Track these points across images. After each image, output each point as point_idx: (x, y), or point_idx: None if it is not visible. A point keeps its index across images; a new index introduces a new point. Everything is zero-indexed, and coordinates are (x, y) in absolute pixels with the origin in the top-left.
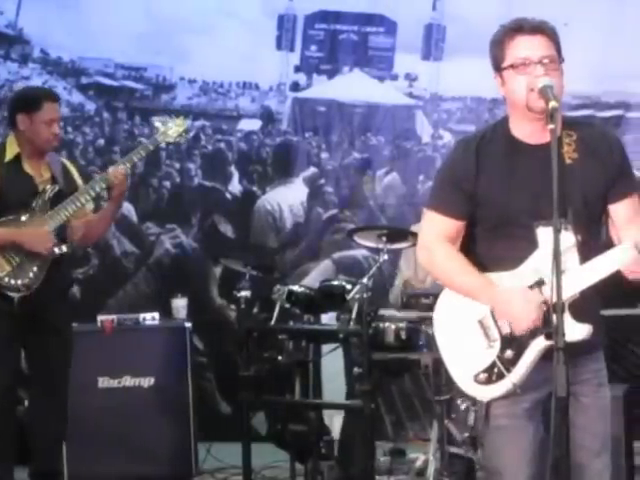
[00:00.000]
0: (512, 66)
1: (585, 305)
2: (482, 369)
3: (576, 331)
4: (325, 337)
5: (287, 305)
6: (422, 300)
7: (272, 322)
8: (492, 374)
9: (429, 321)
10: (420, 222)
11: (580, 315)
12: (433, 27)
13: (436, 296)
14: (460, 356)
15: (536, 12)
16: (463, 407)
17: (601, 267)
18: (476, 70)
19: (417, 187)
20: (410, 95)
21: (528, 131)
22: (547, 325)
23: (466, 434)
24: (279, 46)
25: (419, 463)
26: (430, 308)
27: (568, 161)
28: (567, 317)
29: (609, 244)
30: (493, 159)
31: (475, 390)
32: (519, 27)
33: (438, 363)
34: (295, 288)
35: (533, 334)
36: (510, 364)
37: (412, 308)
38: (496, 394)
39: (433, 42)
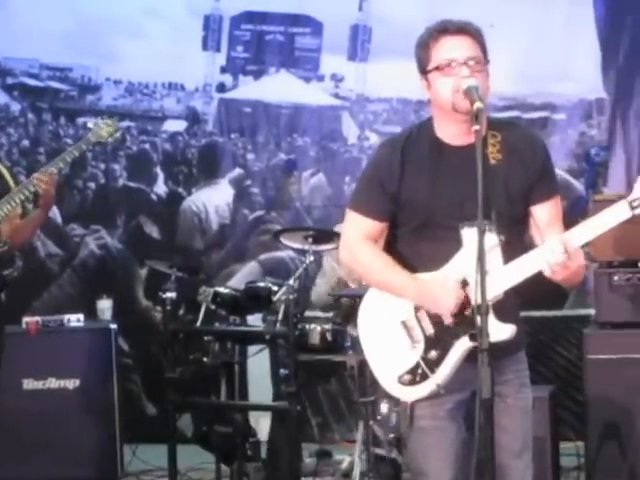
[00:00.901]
0: (437, 68)
1: (508, 305)
2: (406, 370)
3: (500, 331)
4: (251, 339)
5: (213, 306)
6: (348, 301)
7: (198, 324)
8: (416, 375)
9: (355, 323)
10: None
11: (504, 315)
12: (359, 28)
13: (362, 297)
14: (384, 357)
15: (462, 13)
16: (386, 408)
17: (525, 267)
18: (402, 71)
19: (343, 188)
20: (336, 96)
21: (452, 132)
22: (471, 326)
23: (391, 435)
24: (205, 47)
25: (345, 465)
26: (356, 309)
27: (492, 162)
28: (491, 318)
29: (531, 245)
30: (418, 160)
31: (399, 391)
32: (444, 28)
33: (363, 364)
34: (221, 289)
35: (457, 335)
36: (434, 365)
37: (338, 309)
38: (420, 395)
39: (359, 43)
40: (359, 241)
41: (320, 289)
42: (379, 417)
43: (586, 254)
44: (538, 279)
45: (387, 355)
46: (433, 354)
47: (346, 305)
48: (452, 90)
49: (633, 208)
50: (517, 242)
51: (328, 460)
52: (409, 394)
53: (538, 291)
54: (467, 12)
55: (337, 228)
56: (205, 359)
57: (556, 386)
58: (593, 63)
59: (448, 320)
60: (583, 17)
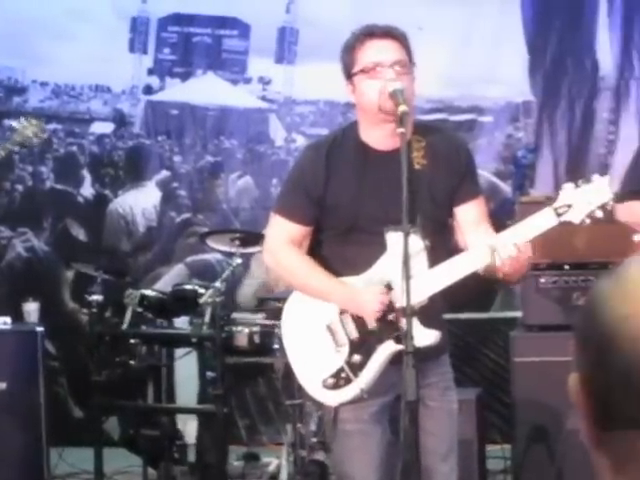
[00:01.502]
0: (363, 70)
1: (432, 310)
2: (330, 374)
3: (424, 337)
4: (178, 341)
5: (139, 309)
6: (275, 304)
7: (124, 326)
8: (340, 379)
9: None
10: None
11: (428, 321)
12: (286, 30)
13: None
14: (308, 361)
15: (390, 16)
16: (309, 412)
17: (450, 273)
18: (329, 73)
19: (270, 191)
20: (263, 99)
21: (377, 137)
22: (395, 330)
23: (313, 439)
24: (132, 49)
25: (272, 467)
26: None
27: (417, 166)
28: (416, 323)
29: (456, 250)
30: (343, 165)
31: (323, 395)
32: (370, 32)
33: (291, 367)
34: (147, 292)
35: (380, 338)
36: (358, 369)
37: (266, 312)
38: (344, 399)
39: (286, 45)
40: (283, 245)
41: (247, 291)
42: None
43: None
44: (466, 281)
45: (311, 359)
46: (357, 358)
47: (274, 307)
48: (378, 92)
49: (559, 215)
50: (442, 247)
51: (255, 463)
52: (333, 398)
53: (466, 293)
54: (395, 15)
55: (265, 231)
56: (132, 362)
57: (483, 388)
58: (520, 66)
59: (372, 324)
60: (511, 21)
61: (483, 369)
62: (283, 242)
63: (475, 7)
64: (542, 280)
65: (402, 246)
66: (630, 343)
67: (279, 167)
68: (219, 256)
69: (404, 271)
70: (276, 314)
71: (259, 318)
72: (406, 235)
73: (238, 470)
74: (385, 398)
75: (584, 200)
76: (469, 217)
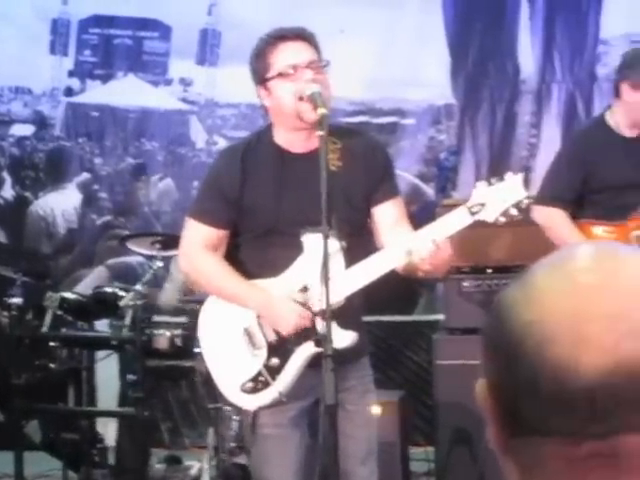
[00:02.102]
0: (280, 74)
1: (350, 311)
2: (248, 378)
3: (341, 338)
4: (99, 344)
5: (59, 312)
6: (196, 306)
7: (44, 329)
8: (258, 383)
9: None
10: None
11: (345, 322)
12: (208, 32)
13: None
14: (226, 365)
15: (312, 19)
16: (228, 415)
17: (366, 273)
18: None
19: (191, 193)
20: (184, 100)
21: (292, 140)
22: (312, 332)
23: (233, 444)
24: (52, 51)
25: (194, 471)
26: None
27: (332, 168)
28: (333, 324)
29: (375, 251)
30: (258, 168)
31: (241, 399)
32: (281, 35)
33: None
34: (67, 295)
35: (298, 341)
36: (276, 372)
37: (187, 314)
38: (262, 403)
39: (208, 47)
40: (199, 250)
41: (168, 294)
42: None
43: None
44: (389, 284)
45: (229, 363)
46: (275, 361)
47: (196, 310)
48: (295, 97)
49: (473, 214)
50: (359, 248)
51: (178, 466)
52: (251, 402)
53: (389, 295)
54: (317, 17)
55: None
56: (52, 365)
57: (406, 391)
58: (442, 69)
59: (287, 336)
60: (432, 24)
61: (406, 372)
62: (198, 246)
63: (397, 9)
64: (465, 284)
65: (319, 248)
66: (535, 349)
67: (200, 169)
68: (140, 258)
69: (323, 274)
70: (197, 316)
71: (181, 321)
72: (325, 238)
73: (160, 473)
74: (304, 402)
75: (498, 198)
76: (387, 217)
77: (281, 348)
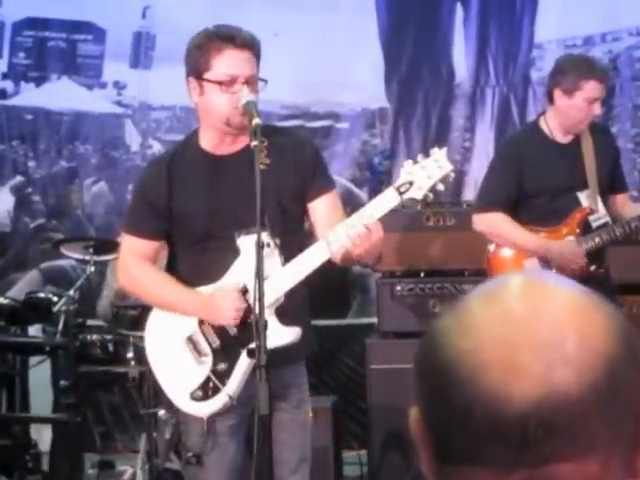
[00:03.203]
0: (218, 83)
1: (292, 308)
2: (197, 386)
3: (284, 335)
4: (32, 349)
5: None
6: (130, 312)
7: None
8: (208, 389)
9: (137, 334)
10: None
11: (287, 318)
12: (142, 35)
13: (144, 308)
14: (174, 375)
15: (246, 22)
16: (164, 420)
17: (301, 267)
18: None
19: (125, 196)
20: (119, 104)
21: (218, 142)
22: (251, 340)
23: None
24: None
25: (127, 476)
26: (138, 320)
27: (261, 167)
28: (274, 321)
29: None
30: (185, 175)
31: (193, 408)
32: (229, 38)
33: (145, 376)
34: (0, 300)
35: (243, 344)
36: (224, 376)
37: (121, 320)
38: (214, 409)
39: (142, 50)
40: (134, 262)
41: (105, 301)
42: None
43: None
44: (322, 287)
45: (177, 373)
46: (222, 366)
47: (129, 315)
48: (229, 106)
49: (401, 193)
50: (294, 244)
51: (111, 471)
52: (203, 409)
53: (321, 299)
54: (251, 20)
55: (120, 238)
56: None
57: (339, 395)
58: (376, 73)
59: (233, 330)
60: (366, 27)
61: (339, 375)
62: (134, 259)
63: (331, 13)
64: (398, 287)
65: (253, 249)
66: (468, 377)
67: (134, 173)
68: (73, 262)
69: (256, 280)
70: (131, 322)
71: (111, 326)
72: (260, 247)
73: (93, 478)
74: (243, 410)
75: (424, 175)
76: (322, 211)
77: (227, 352)
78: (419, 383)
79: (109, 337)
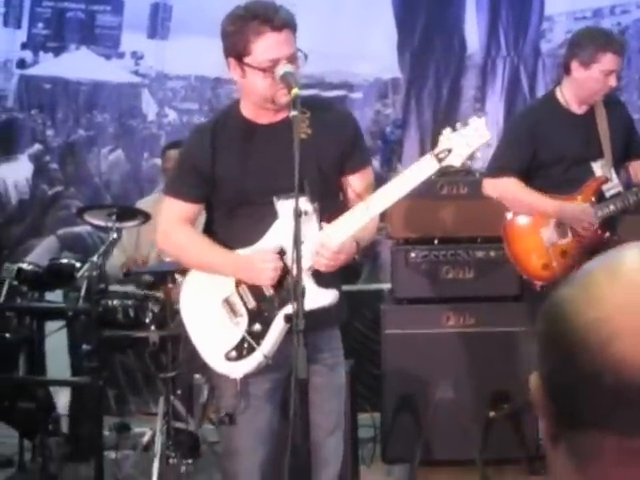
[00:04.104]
0: (261, 69)
1: (328, 272)
2: (232, 347)
3: (321, 297)
4: (54, 315)
5: (15, 283)
6: (146, 278)
7: (0, 300)
8: (242, 349)
9: (154, 299)
10: (144, 197)
11: (323, 281)
12: (159, 6)
13: (159, 274)
14: (209, 336)
15: None
16: (198, 384)
17: (339, 231)
18: (200, 49)
19: (141, 164)
20: (136, 73)
21: (260, 112)
22: (287, 302)
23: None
24: (6, 23)
25: (146, 438)
26: (154, 286)
27: (303, 136)
28: (311, 284)
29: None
30: (228, 142)
31: (227, 368)
32: (267, 20)
33: (165, 341)
34: (24, 266)
35: (279, 305)
36: (259, 337)
37: (137, 286)
38: (248, 368)
39: (159, 21)
40: (174, 225)
41: (114, 261)
42: (179, 392)
43: (383, 230)
44: None
45: (212, 334)
46: (257, 327)
47: (147, 281)
48: (271, 87)
49: (440, 160)
50: (331, 210)
51: (126, 433)
52: (238, 369)
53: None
54: None
55: (139, 205)
56: (7, 335)
57: (354, 360)
58: (389, 44)
59: (269, 291)
60: (380, 0)
61: (351, 341)
62: (174, 222)
63: None
64: (412, 254)
65: (292, 214)
66: (599, 345)
67: (151, 141)
68: (89, 229)
69: (294, 248)
70: (147, 286)
71: (129, 289)
72: (297, 211)
73: (112, 440)
74: (279, 374)
75: (463, 143)
76: (357, 186)
77: (262, 313)
78: (544, 351)
79: (130, 302)
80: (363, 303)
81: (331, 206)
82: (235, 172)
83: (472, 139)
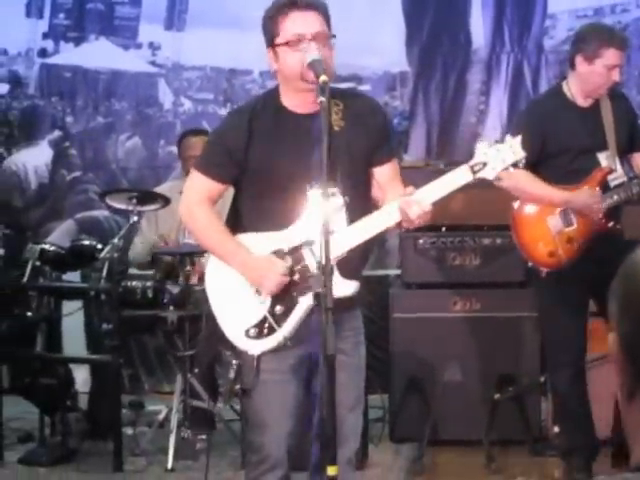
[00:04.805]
0: (287, 43)
1: (352, 263)
2: (253, 324)
3: (344, 287)
4: (74, 294)
5: (38, 263)
6: (166, 260)
7: (24, 279)
8: (263, 328)
9: (174, 280)
10: (160, 184)
11: (347, 272)
12: None
13: (181, 255)
14: (232, 312)
15: None
16: (227, 360)
17: (368, 228)
18: (216, 40)
19: (158, 151)
20: (153, 63)
21: (298, 102)
22: (315, 283)
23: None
24: (28, 13)
25: (162, 416)
26: (173, 268)
27: (335, 128)
28: (336, 274)
29: (374, 206)
30: (264, 129)
31: (246, 344)
32: (292, 2)
33: (183, 321)
34: (47, 247)
35: (302, 291)
36: (281, 319)
37: (156, 268)
38: (267, 347)
39: (176, 13)
40: (198, 202)
41: (139, 249)
42: (196, 370)
43: None
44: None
45: (235, 310)
46: (279, 309)
47: (165, 263)
48: (300, 63)
49: (474, 172)
50: (360, 202)
51: (141, 410)
52: (257, 347)
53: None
54: None
55: (158, 189)
56: (29, 313)
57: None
58: (398, 38)
59: (296, 276)
60: None
61: None
62: (199, 198)
63: None
64: (420, 241)
65: (323, 203)
66: None
67: (167, 129)
68: (106, 213)
69: (323, 230)
70: (168, 269)
71: (152, 273)
72: (326, 195)
73: (128, 417)
74: (303, 350)
75: (498, 158)
76: (384, 176)
77: (285, 296)
78: (622, 312)
79: (149, 284)
80: (370, 288)
81: (360, 200)
82: (269, 159)
83: (507, 155)
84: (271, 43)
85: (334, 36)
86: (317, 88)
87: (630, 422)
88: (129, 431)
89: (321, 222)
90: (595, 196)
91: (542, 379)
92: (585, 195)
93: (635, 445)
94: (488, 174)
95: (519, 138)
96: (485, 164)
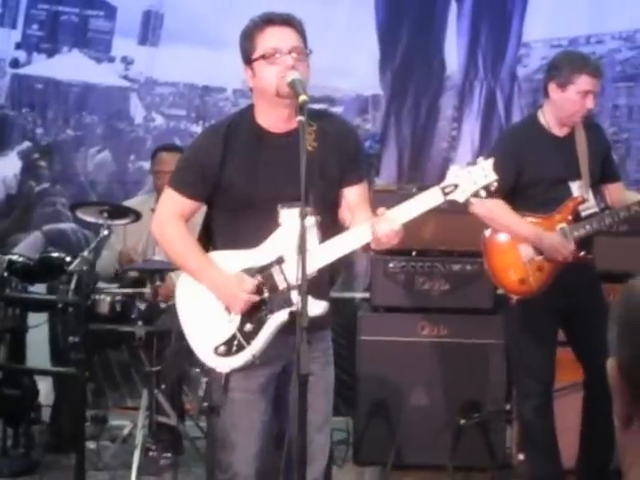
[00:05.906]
0: (263, 56)
1: (321, 283)
2: (222, 341)
3: (314, 307)
4: (39, 306)
5: (6, 274)
6: (130, 275)
7: None
8: (232, 346)
9: (141, 295)
10: (129, 199)
11: (317, 292)
12: (151, 14)
13: (150, 271)
14: (201, 329)
15: (251, 6)
16: (196, 378)
17: (338, 247)
18: (190, 57)
19: (127, 166)
20: (126, 78)
21: (273, 120)
22: (285, 301)
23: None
24: (1, 23)
25: (126, 431)
26: (138, 282)
27: (309, 149)
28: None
29: (342, 226)
30: (239, 147)
31: (215, 362)
32: (269, 19)
33: (151, 336)
34: (15, 258)
35: (271, 309)
36: (250, 337)
37: (122, 282)
38: (236, 365)
39: (151, 28)
40: (171, 219)
41: (105, 262)
42: (163, 386)
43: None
44: None
45: (204, 327)
46: (249, 327)
47: (133, 278)
48: (277, 77)
49: (446, 194)
50: (330, 222)
51: (104, 425)
52: (225, 364)
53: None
54: (255, 5)
55: (128, 203)
56: None
57: None
58: (372, 62)
59: (265, 294)
60: (364, 17)
61: None
62: (172, 215)
63: (332, 6)
64: (390, 265)
65: (296, 223)
66: None
67: (137, 144)
68: (73, 226)
69: (300, 249)
70: (133, 284)
71: (114, 287)
72: (302, 215)
73: (92, 432)
74: (273, 369)
75: (470, 180)
76: (354, 197)
77: (255, 315)
78: (621, 337)
79: (118, 298)
80: (336, 310)
81: (329, 221)
82: (242, 177)
83: (479, 178)
84: (248, 60)
85: (310, 52)
86: (296, 107)
87: (627, 447)
88: (92, 445)
89: (297, 241)
90: (562, 240)
91: (507, 407)
92: (554, 240)
93: (630, 471)
94: (459, 196)
95: (491, 161)
96: (456, 186)
